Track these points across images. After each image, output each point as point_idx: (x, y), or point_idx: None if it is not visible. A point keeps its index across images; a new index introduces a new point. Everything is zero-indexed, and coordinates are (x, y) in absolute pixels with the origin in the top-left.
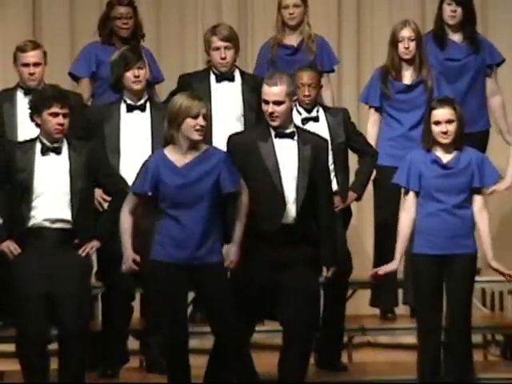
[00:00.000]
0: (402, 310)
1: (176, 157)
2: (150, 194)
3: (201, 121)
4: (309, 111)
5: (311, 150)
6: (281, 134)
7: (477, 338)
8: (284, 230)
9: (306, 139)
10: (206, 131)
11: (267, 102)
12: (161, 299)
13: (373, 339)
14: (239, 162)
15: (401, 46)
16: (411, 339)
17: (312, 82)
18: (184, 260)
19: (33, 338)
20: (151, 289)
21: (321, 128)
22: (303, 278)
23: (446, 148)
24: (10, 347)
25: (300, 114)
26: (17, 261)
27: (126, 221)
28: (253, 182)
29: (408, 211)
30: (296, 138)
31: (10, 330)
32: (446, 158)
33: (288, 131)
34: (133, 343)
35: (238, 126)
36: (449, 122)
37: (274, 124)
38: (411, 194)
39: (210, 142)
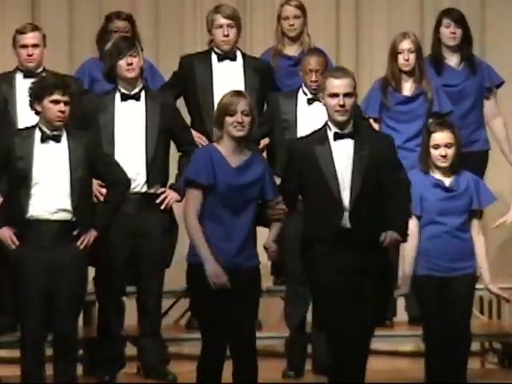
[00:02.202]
0: (399, 317)
1: (229, 156)
2: (205, 184)
3: (238, 117)
4: (315, 94)
5: (370, 148)
6: (339, 136)
7: (474, 346)
8: (344, 236)
9: (364, 137)
10: (250, 128)
11: (336, 95)
12: (209, 305)
13: (371, 346)
14: (297, 169)
15: (400, 58)
16: (409, 347)
17: (319, 68)
18: (225, 263)
19: (32, 333)
20: (196, 293)
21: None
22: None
23: (444, 171)
24: (7, 353)
25: (306, 94)
26: (17, 257)
27: (196, 228)
28: (310, 188)
29: (413, 237)
30: (355, 137)
31: (7, 336)
32: (446, 180)
33: (347, 131)
34: (130, 349)
35: None
36: (448, 145)
37: (342, 119)
38: (414, 220)
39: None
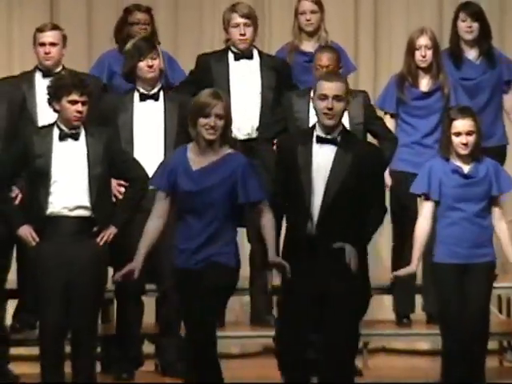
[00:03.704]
0: (417, 315)
1: (195, 157)
2: (165, 190)
3: (211, 120)
4: None
5: (353, 158)
6: (321, 140)
7: (492, 345)
8: (309, 241)
9: (349, 145)
10: (224, 131)
11: (325, 97)
12: (182, 304)
13: (388, 345)
14: (284, 166)
15: (418, 54)
16: (427, 345)
17: (330, 64)
18: (184, 262)
19: (52, 329)
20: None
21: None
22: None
23: (465, 158)
24: (26, 350)
25: None
26: (37, 252)
27: (149, 224)
28: (291, 187)
29: (426, 218)
30: (339, 144)
31: (27, 333)
32: (466, 167)
33: (330, 137)
34: (148, 347)
35: (257, 103)
36: (469, 133)
37: (330, 123)
38: (430, 203)
39: (230, 123)
